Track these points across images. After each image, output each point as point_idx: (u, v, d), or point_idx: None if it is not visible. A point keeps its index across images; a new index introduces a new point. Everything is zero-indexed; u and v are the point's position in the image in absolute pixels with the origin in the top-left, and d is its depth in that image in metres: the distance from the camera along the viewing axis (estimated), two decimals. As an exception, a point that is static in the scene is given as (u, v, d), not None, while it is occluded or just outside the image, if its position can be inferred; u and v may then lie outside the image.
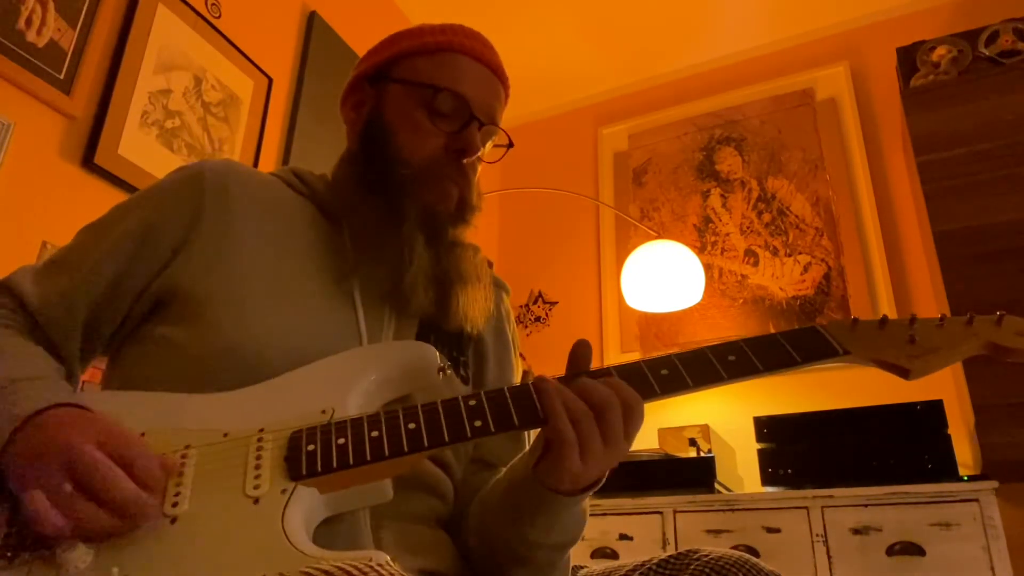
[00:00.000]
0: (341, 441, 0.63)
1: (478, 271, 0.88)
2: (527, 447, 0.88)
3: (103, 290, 0.76)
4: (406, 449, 0.63)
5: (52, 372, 0.70)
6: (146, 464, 0.59)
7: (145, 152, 1.79)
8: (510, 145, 0.93)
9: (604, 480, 0.71)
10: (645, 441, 2.30)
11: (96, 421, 0.61)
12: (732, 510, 1.95)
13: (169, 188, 0.82)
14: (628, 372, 0.69)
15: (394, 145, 0.84)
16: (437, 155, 0.84)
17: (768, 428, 2.10)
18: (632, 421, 0.66)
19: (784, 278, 2.69)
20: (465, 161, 0.85)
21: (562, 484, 0.67)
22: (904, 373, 0.68)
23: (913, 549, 1.72)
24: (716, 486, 2.04)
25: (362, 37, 2.62)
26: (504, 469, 0.83)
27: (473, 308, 0.86)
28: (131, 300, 0.77)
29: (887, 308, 2.45)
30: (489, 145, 0.91)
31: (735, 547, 1.69)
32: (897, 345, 0.69)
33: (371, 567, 0.50)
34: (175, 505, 0.59)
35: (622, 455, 0.66)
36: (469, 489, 0.83)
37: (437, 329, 0.85)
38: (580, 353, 0.70)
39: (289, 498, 0.60)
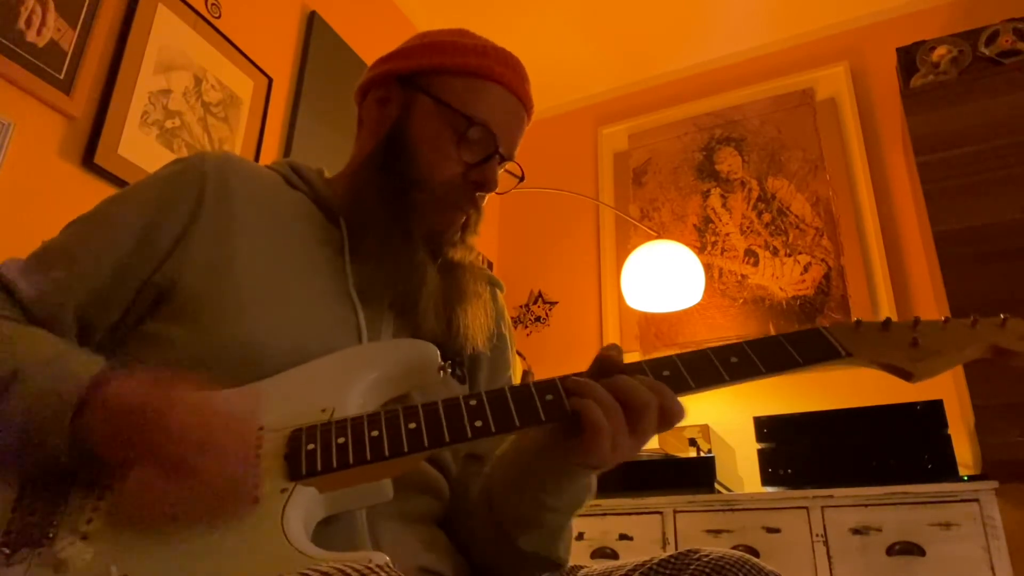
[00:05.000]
0: (341, 440, 0.63)
1: (477, 288, 0.89)
2: None
3: (102, 283, 0.75)
4: (406, 449, 0.63)
5: (70, 346, 0.70)
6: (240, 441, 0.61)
7: (145, 152, 1.79)
8: (522, 178, 0.94)
9: None
10: (645, 441, 2.30)
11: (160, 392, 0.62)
12: (732, 510, 1.95)
13: (169, 180, 0.81)
14: (630, 372, 0.69)
15: (415, 162, 0.84)
16: (455, 181, 0.84)
17: (768, 428, 2.10)
18: (668, 424, 0.67)
19: (784, 278, 2.68)
20: (478, 194, 0.86)
21: (589, 464, 0.68)
22: (907, 376, 0.68)
23: (913, 549, 1.72)
24: (716, 486, 2.04)
25: (362, 37, 2.62)
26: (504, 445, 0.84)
27: (475, 328, 0.87)
28: (131, 295, 0.76)
29: (887, 308, 2.45)
30: (501, 172, 0.91)
31: (735, 547, 1.69)
32: (900, 347, 0.69)
33: (370, 568, 0.49)
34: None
35: (646, 442, 0.68)
36: (459, 483, 0.84)
37: None
38: (610, 356, 0.70)
39: (289, 498, 0.60)
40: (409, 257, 0.82)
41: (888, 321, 0.71)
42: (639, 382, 0.66)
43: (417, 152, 0.85)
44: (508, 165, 0.91)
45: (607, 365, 0.69)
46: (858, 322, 0.72)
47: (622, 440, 0.65)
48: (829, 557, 1.80)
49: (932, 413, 1.93)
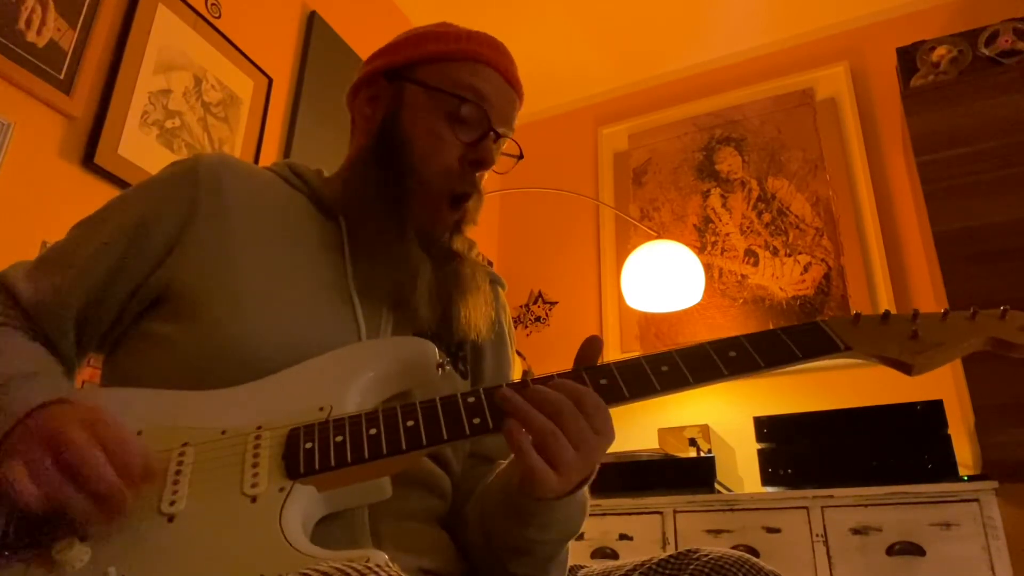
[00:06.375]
0: (339, 439, 0.63)
1: (476, 279, 0.89)
2: None
3: (96, 285, 0.76)
4: (404, 447, 0.63)
5: (49, 368, 0.70)
6: (124, 454, 0.58)
7: (145, 152, 1.79)
8: (520, 156, 0.94)
9: (595, 473, 0.69)
10: (645, 441, 2.30)
11: (85, 407, 0.61)
12: (732, 510, 1.95)
13: (163, 183, 0.82)
14: (629, 369, 0.68)
15: (412, 151, 0.84)
16: (452, 168, 0.84)
17: (768, 428, 2.09)
18: (596, 416, 0.64)
19: (784, 278, 2.68)
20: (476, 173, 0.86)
21: (547, 495, 0.66)
22: (907, 369, 0.67)
23: (913, 549, 1.72)
24: (716, 486, 2.04)
25: (362, 37, 2.62)
26: (503, 463, 0.83)
27: (476, 317, 0.86)
28: (126, 296, 0.77)
29: (887, 308, 2.44)
30: (499, 154, 0.92)
31: (735, 547, 1.69)
32: (899, 340, 0.68)
33: (369, 567, 0.49)
34: (172, 504, 0.59)
35: (602, 449, 0.64)
36: (466, 485, 0.83)
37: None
38: (587, 348, 0.69)
39: (287, 497, 0.60)
40: (403, 247, 0.82)
41: (887, 314, 0.70)
42: (554, 385, 0.64)
43: (413, 140, 0.85)
44: (506, 145, 0.92)
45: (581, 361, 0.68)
46: (857, 315, 0.71)
47: (565, 458, 0.62)
48: (829, 557, 1.80)
49: (932, 413, 1.93)
